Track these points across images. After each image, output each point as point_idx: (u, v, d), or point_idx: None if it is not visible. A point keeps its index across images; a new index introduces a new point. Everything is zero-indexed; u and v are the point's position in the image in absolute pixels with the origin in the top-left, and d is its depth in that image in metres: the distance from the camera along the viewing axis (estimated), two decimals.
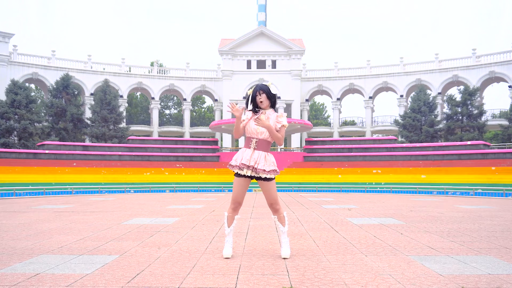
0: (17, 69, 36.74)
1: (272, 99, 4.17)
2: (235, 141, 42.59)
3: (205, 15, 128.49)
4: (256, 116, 4.06)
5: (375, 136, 40.81)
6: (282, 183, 25.11)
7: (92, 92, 39.52)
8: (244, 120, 4.15)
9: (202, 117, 57.28)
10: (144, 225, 6.80)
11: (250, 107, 4.15)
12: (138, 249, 4.60)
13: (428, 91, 37.67)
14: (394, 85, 40.84)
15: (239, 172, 4.08)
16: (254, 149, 4.11)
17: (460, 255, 4.22)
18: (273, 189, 4.15)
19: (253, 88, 4.20)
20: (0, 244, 4.91)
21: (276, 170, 4.12)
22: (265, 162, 4.07)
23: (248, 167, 4.05)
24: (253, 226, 6.54)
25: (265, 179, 4.09)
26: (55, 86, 35.36)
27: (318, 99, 61.69)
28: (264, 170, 4.03)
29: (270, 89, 4.15)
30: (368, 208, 10.17)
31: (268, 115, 4.13)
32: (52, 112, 34.52)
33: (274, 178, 4.17)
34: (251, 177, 4.13)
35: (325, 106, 64.93)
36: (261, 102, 4.13)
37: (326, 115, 64.51)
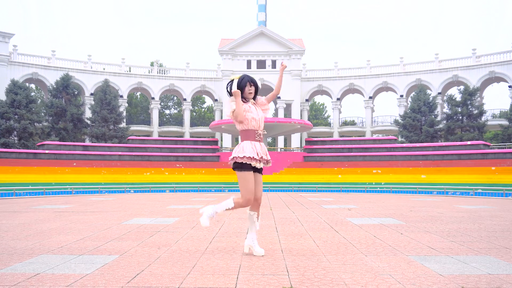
0: (17, 69, 36.70)
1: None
2: (235, 141, 42.56)
3: (205, 15, 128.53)
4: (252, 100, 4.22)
5: (375, 136, 40.78)
6: (282, 183, 25.11)
7: (92, 92, 39.50)
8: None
9: (202, 117, 57.23)
10: (144, 225, 6.80)
11: (234, 88, 4.08)
12: (138, 249, 4.60)
13: (428, 91, 37.63)
14: (394, 85, 40.81)
15: (257, 165, 4.02)
16: (259, 141, 4.14)
17: (460, 255, 4.22)
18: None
19: (238, 76, 4.16)
20: (0, 244, 4.91)
21: None
22: (267, 152, 4.22)
23: (260, 160, 4.06)
24: None
25: (261, 169, 4.16)
26: (55, 86, 35.34)
27: (318, 99, 61.69)
28: (270, 159, 4.17)
29: (258, 85, 4.23)
30: (368, 208, 10.17)
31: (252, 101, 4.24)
32: (52, 112, 34.50)
33: None
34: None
35: (325, 106, 64.90)
36: (250, 93, 4.16)
37: (326, 115, 64.47)
